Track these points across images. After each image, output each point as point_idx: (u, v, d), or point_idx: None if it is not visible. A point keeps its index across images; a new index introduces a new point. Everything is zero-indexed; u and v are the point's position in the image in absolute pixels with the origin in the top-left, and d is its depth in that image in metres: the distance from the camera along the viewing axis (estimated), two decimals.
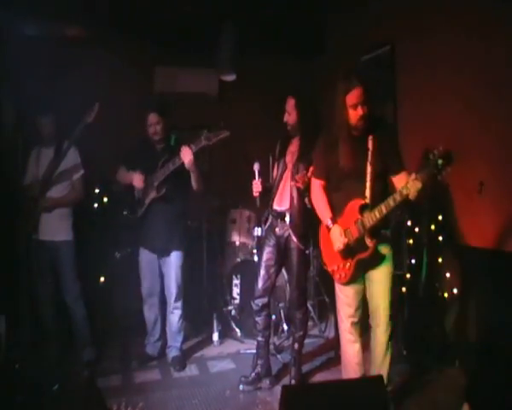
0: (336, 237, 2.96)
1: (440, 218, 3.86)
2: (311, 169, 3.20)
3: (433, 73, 3.97)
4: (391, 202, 2.75)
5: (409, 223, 4.03)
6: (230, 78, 5.31)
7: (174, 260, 3.84)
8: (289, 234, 3.43)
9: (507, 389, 1.93)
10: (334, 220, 3.00)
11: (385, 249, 3.00)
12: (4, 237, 3.89)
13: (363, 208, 2.88)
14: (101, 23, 4.73)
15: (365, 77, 2.93)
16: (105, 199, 4.62)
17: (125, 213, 3.96)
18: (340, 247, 2.94)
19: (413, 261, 3.98)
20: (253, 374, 3.58)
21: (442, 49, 3.87)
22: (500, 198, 3.44)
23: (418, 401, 3.22)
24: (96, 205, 4.62)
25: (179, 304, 3.90)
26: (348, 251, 2.95)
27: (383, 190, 2.91)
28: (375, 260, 2.97)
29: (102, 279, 4.49)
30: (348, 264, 2.97)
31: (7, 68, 4.15)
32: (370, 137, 2.91)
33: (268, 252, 3.54)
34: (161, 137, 3.81)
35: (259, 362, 3.61)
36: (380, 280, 3.01)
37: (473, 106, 3.61)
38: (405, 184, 2.69)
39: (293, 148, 3.51)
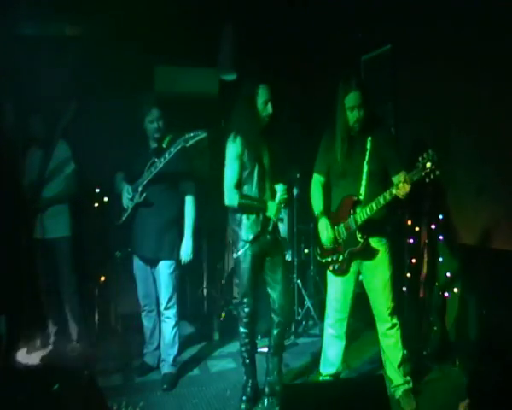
0: (322, 229, 3.12)
1: (440, 217, 3.87)
2: None
3: (433, 73, 3.97)
4: (381, 200, 2.88)
5: (409, 223, 4.04)
6: (231, 78, 5.31)
7: (163, 269, 3.61)
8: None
9: (507, 389, 1.94)
10: (323, 214, 3.14)
11: (380, 245, 3.08)
12: (5, 238, 3.91)
13: (355, 205, 3.00)
14: (101, 23, 4.73)
15: (365, 79, 2.96)
16: (105, 199, 4.63)
17: (113, 217, 3.75)
18: (324, 240, 3.10)
19: (413, 261, 3.99)
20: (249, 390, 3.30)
21: (442, 48, 3.87)
22: (500, 197, 3.44)
23: (418, 401, 3.22)
24: (96, 205, 4.63)
25: (171, 313, 3.63)
26: (340, 245, 3.10)
27: (381, 189, 2.94)
28: (370, 254, 3.08)
29: (103, 279, 4.50)
30: (341, 256, 3.10)
31: (7, 68, 4.15)
32: (369, 138, 2.98)
33: None
34: (160, 136, 3.60)
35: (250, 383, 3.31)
36: (375, 275, 3.12)
37: (473, 106, 3.61)
38: (396, 184, 2.80)
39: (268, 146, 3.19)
